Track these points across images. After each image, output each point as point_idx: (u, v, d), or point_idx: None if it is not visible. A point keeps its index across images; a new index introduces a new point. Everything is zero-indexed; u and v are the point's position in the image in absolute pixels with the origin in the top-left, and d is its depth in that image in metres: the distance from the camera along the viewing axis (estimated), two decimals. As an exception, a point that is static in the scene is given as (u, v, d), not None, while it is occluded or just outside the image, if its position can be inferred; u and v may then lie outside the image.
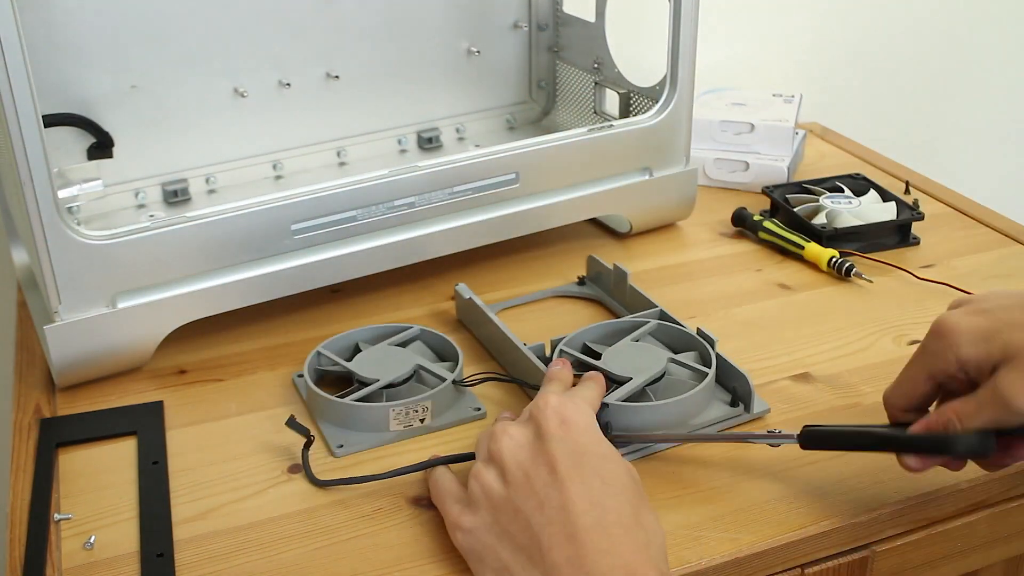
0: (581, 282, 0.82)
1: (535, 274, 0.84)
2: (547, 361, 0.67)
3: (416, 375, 0.68)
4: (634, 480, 0.53)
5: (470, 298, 0.75)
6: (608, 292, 0.80)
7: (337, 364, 0.69)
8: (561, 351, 0.68)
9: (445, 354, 0.71)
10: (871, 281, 0.82)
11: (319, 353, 0.70)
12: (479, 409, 0.67)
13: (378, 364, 0.68)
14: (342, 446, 0.64)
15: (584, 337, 0.70)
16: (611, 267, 0.79)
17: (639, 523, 0.51)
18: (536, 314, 0.79)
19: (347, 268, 0.76)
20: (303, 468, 0.61)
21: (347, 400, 0.65)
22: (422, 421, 0.65)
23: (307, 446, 0.61)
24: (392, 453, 0.64)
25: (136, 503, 0.60)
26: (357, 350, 0.70)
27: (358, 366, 0.68)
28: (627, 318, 0.72)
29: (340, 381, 0.69)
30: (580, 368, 0.66)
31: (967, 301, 0.57)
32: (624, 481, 0.53)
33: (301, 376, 0.69)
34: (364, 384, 0.66)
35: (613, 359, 0.67)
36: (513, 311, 0.79)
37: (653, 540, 0.51)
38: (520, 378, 0.69)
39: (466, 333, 0.76)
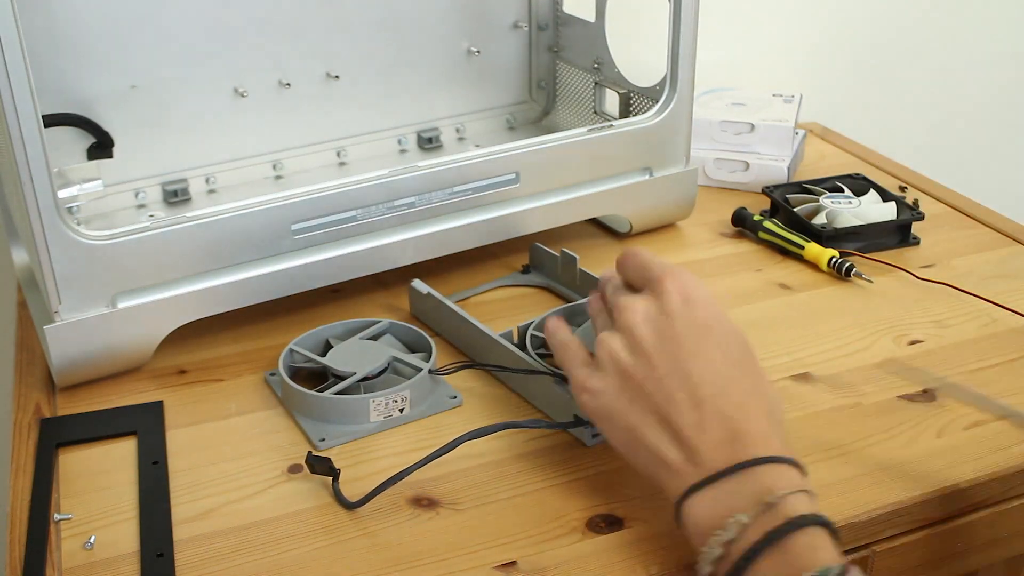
0: (525, 271, 0.83)
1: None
2: (520, 346, 0.69)
3: (391, 367, 0.69)
4: (751, 352, 0.57)
5: (428, 293, 0.76)
6: (555, 278, 0.82)
7: (311, 360, 0.70)
8: (532, 336, 0.70)
9: (417, 346, 0.72)
10: (871, 281, 0.82)
11: (291, 351, 0.70)
12: (455, 397, 0.69)
13: (352, 358, 0.69)
14: (324, 439, 0.65)
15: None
16: (558, 254, 0.80)
17: (757, 390, 0.55)
18: (490, 306, 0.80)
19: (347, 268, 0.76)
20: (336, 498, 0.61)
21: (326, 394, 0.66)
22: (401, 411, 0.66)
23: (336, 479, 0.61)
24: (388, 454, 0.64)
25: (136, 503, 0.60)
26: (328, 346, 0.72)
27: (333, 360, 0.69)
28: (583, 300, 0.73)
29: (314, 377, 0.70)
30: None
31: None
32: (742, 352, 0.56)
33: (275, 374, 0.70)
34: (340, 378, 0.67)
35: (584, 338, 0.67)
36: (464, 304, 0.80)
37: (773, 406, 0.55)
38: (492, 363, 0.69)
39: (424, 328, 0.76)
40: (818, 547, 0.49)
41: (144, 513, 0.59)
